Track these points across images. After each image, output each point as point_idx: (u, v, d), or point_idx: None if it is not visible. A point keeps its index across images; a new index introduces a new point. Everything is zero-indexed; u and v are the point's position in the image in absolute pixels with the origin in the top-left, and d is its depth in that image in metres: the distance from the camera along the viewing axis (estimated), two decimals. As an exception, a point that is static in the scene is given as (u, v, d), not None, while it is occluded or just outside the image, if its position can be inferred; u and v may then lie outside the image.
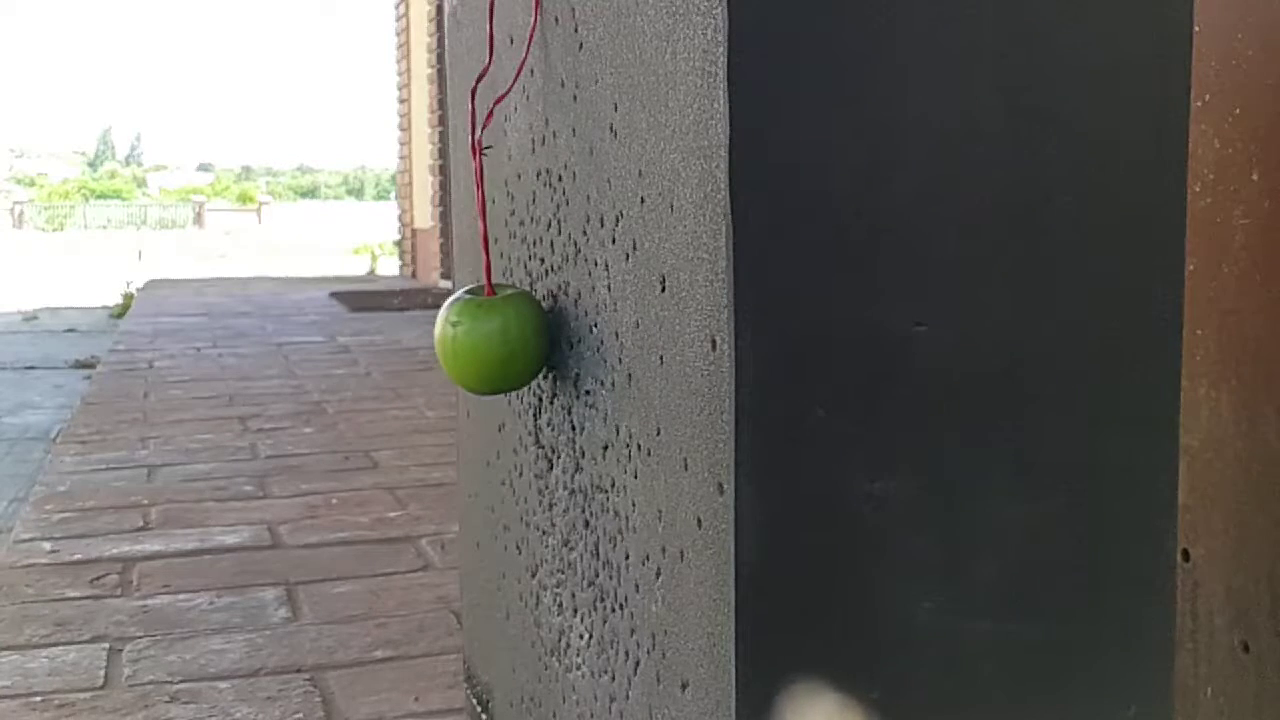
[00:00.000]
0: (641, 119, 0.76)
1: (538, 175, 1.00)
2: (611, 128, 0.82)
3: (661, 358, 0.75)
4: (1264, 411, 1.09)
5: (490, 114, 1.05)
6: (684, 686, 0.74)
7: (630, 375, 0.81)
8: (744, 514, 0.66)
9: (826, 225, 0.67)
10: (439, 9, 8.93)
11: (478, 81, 1.07)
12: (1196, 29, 0.73)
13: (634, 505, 0.82)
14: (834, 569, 0.69)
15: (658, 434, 0.77)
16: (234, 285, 10.05)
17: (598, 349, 0.87)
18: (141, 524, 2.74)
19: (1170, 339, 0.73)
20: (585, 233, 0.89)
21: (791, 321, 0.67)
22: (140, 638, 2.04)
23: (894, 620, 0.70)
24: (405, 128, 10.71)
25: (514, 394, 1.09)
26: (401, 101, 10.72)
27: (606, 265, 0.84)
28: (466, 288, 0.97)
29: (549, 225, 0.97)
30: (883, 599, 0.70)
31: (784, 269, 0.66)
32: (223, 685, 1.85)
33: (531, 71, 0.98)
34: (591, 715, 0.92)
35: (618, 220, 0.82)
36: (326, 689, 1.84)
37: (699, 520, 0.71)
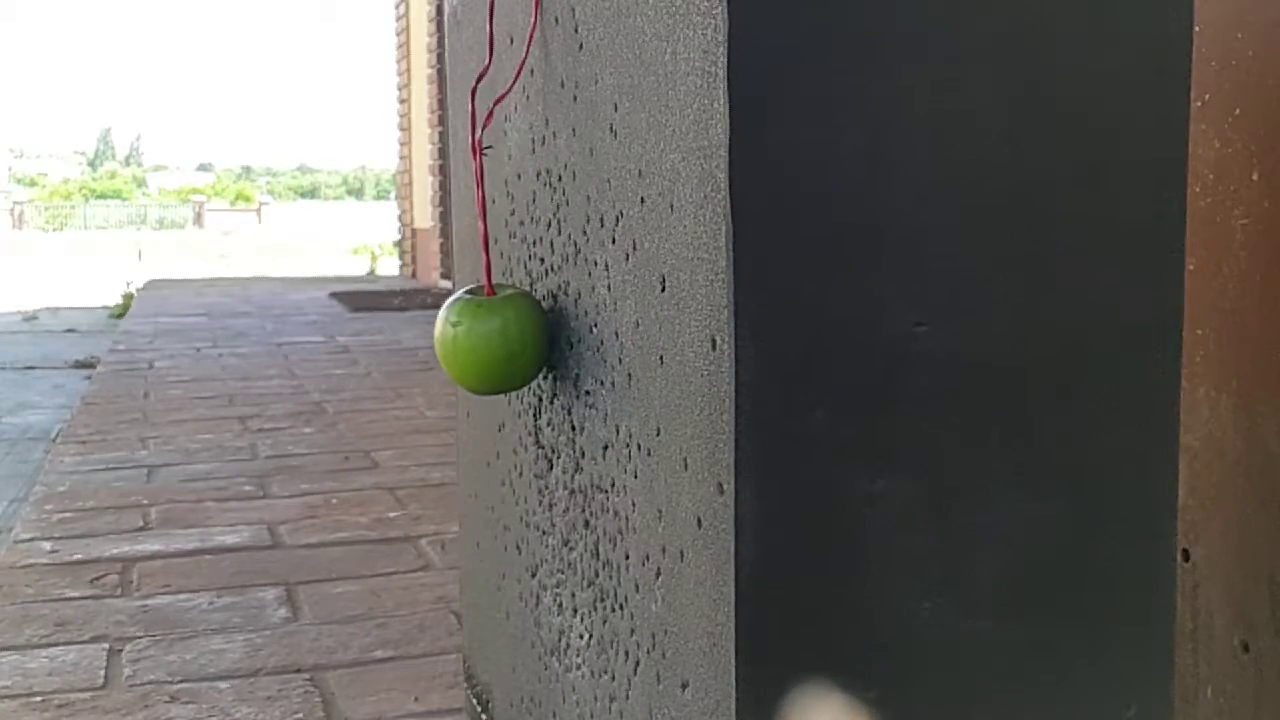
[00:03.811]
0: (641, 119, 0.76)
1: (538, 175, 1.00)
2: (611, 128, 0.82)
3: (661, 358, 0.75)
4: (1264, 411, 1.09)
5: (490, 114, 1.06)
6: (684, 686, 0.74)
7: (630, 375, 0.81)
8: (744, 514, 0.67)
9: (826, 225, 0.67)
10: (439, 9, 8.93)
11: (478, 81, 1.07)
12: (1196, 29, 0.73)
13: (634, 505, 0.82)
14: (834, 569, 0.69)
15: (658, 434, 0.77)
16: (234, 285, 10.05)
17: (598, 349, 0.87)
18: (141, 524, 2.74)
19: (1170, 339, 0.73)
20: (585, 233, 0.89)
21: (791, 321, 0.67)
22: (140, 638, 2.04)
23: (894, 620, 0.70)
24: (405, 128, 10.71)
25: (514, 394, 1.09)
26: (401, 101, 10.72)
27: (606, 265, 0.84)
28: (466, 288, 0.97)
29: (549, 225, 0.97)
30: (883, 599, 0.70)
31: (784, 269, 0.66)
32: (223, 685, 1.85)
33: (531, 71, 0.98)
34: (591, 715, 0.92)
35: (618, 220, 0.82)
36: (326, 689, 1.84)
37: (699, 520, 0.71)
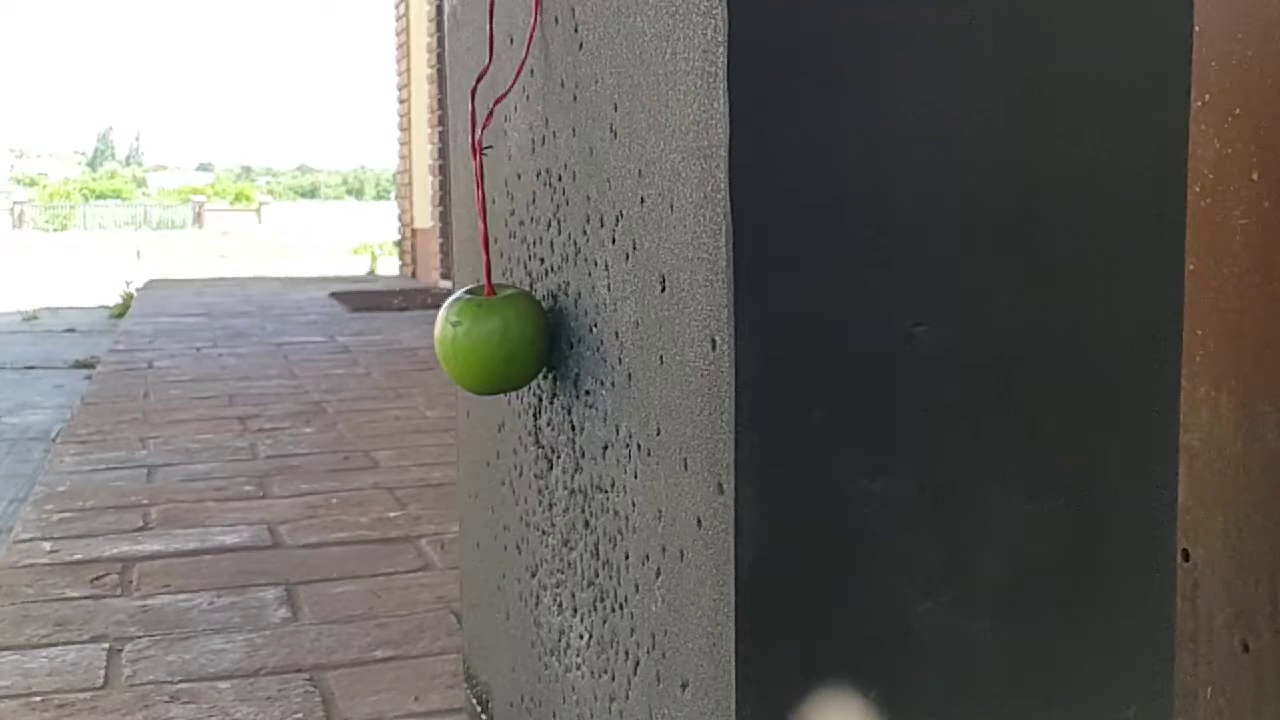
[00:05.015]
0: (641, 119, 0.76)
1: (538, 175, 1.00)
2: (611, 128, 0.82)
3: (661, 358, 0.75)
4: (1264, 411, 1.09)
5: (490, 114, 1.06)
6: (684, 686, 0.74)
7: (630, 375, 0.81)
8: (744, 514, 0.66)
9: (826, 225, 0.67)
10: (439, 9, 8.93)
11: (478, 81, 1.07)
12: (1196, 29, 0.73)
13: (634, 505, 0.82)
14: (834, 569, 0.69)
15: (658, 434, 0.77)
16: (234, 285, 10.05)
17: (598, 349, 0.87)
18: (141, 524, 2.74)
19: (1170, 339, 0.73)
20: (585, 233, 0.89)
21: (791, 321, 0.67)
22: (140, 638, 2.04)
23: (894, 620, 0.70)
24: (405, 128, 10.71)
25: (514, 394, 1.09)
26: (401, 101, 10.72)
27: (606, 265, 0.84)
28: (466, 288, 0.97)
29: (549, 225, 0.97)
30: (883, 598, 0.70)
31: (784, 269, 0.66)
32: (223, 685, 1.85)
33: (531, 71, 0.98)
34: (591, 715, 0.92)
35: (618, 220, 0.82)
36: (326, 689, 1.84)
37: (699, 520, 0.71)
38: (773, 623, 0.68)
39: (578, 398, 0.92)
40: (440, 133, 9.49)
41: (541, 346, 0.95)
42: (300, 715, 1.75)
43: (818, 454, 0.68)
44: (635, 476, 0.81)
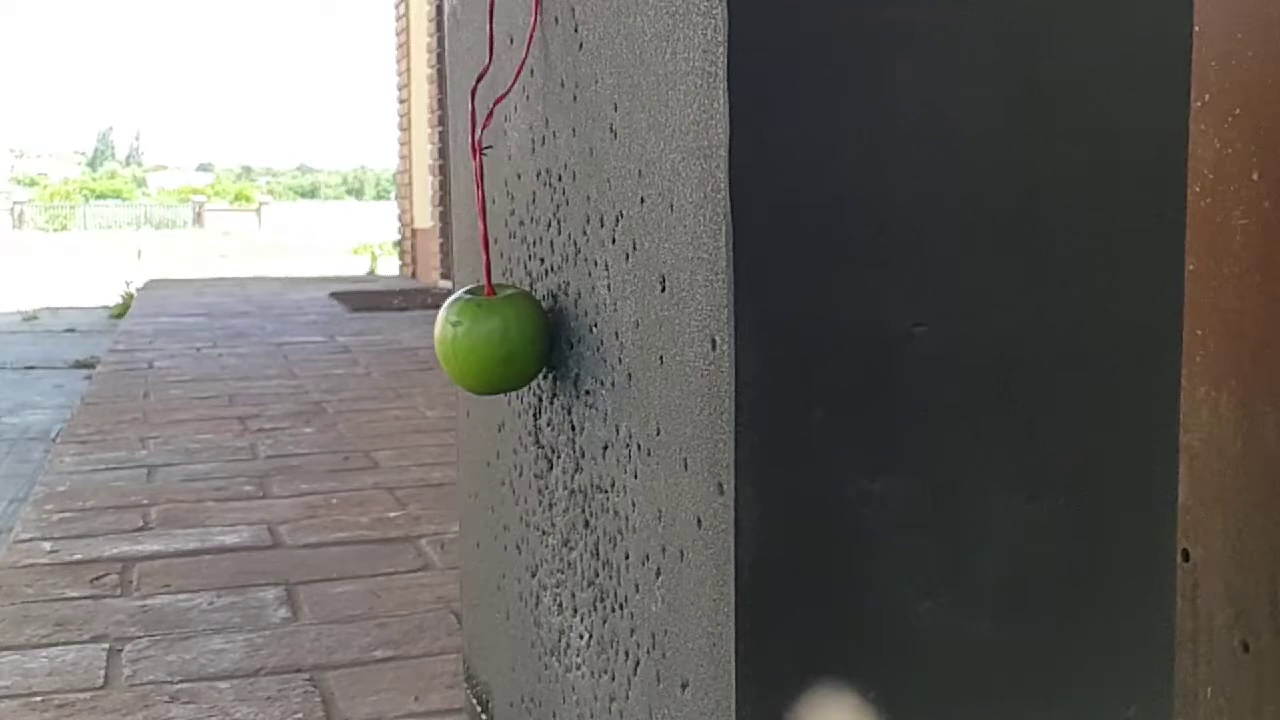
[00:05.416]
0: (641, 119, 0.76)
1: (538, 175, 1.00)
2: (611, 128, 0.82)
3: (661, 358, 0.75)
4: (1264, 411, 1.09)
5: (490, 114, 1.06)
6: (684, 686, 0.74)
7: (630, 375, 0.81)
8: (744, 514, 0.67)
9: (826, 225, 0.67)
10: (439, 9, 8.93)
11: (478, 81, 1.07)
12: (1196, 29, 0.73)
13: (634, 505, 0.82)
14: (834, 569, 0.69)
15: (658, 434, 0.77)
16: (234, 285, 10.05)
17: (598, 349, 0.87)
18: (141, 524, 2.74)
19: (1170, 339, 0.73)
20: (585, 233, 0.89)
21: (791, 321, 0.67)
22: (140, 638, 2.04)
23: (894, 620, 0.70)
24: (405, 128, 10.71)
25: (514, 394, 1.09)
26: (401, 101, 10.72)
27: (606, 265, 0.84)
28: (466, 288, 0.97)
29: (549, 225, 0.98)
30: (882, 599, 0.70)
31: (784, 269, 0.66)
32: (223, 685, 1.85)
33: (531, 71, 0.98)
34: (591, 715, 0.92)
35: (618, 220, 0.82)
36: (326, 689, 1.84)
37: (699, 520, 0.71)
38: (773, 623, 0.68)
39: (578, 398, 0.92)
40: (440, 133, 9.49)
41: (541, 346, 0.95)
42: (300, 715, 1.75)
43: (818, 454, 0.68)
44: (635, 476, 0.81)
